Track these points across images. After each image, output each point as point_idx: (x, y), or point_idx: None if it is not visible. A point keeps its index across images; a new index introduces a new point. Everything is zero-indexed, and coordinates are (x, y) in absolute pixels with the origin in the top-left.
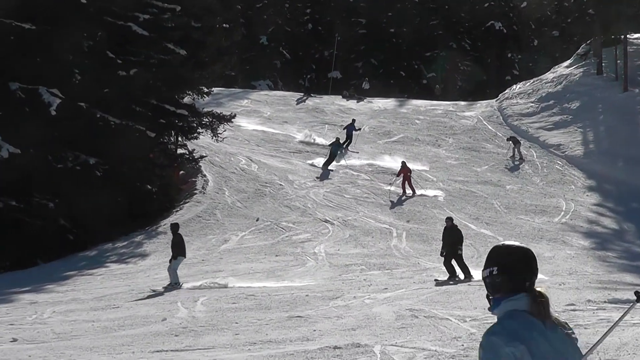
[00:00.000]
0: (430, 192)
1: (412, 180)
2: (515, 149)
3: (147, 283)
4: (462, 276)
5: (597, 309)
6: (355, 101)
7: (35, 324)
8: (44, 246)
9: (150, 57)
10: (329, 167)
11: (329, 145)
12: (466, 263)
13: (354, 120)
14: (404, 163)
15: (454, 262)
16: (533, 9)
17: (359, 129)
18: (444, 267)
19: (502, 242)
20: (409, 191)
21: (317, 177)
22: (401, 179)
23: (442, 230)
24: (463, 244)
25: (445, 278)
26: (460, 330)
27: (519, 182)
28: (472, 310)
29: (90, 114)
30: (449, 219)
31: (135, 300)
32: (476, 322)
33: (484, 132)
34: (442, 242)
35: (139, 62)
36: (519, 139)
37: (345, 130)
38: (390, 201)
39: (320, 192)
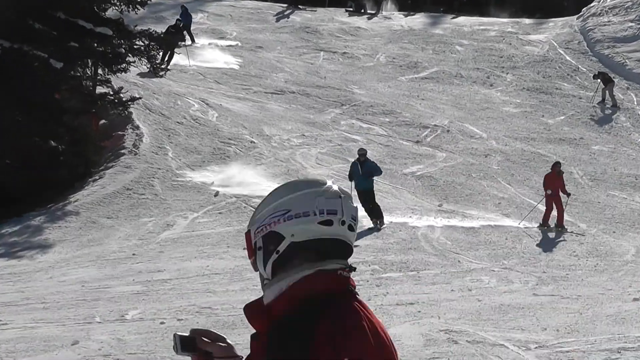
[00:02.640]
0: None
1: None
2: (607, 91)
3: (49, 288)
4: None
5: None
6: (366, 17)
7: None
8: None
9: None
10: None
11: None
12: None
13: None
14: (558, 166)
15: None
16: None
17: None
18: None
19: None
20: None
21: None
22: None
23: None
24: None
25: None
26: None
27: (612, 140)
28: (539, 332)
29: None
30: None
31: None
32: (545, 351)
33: (559, 66)
34: None
35: None
36: (612, 76)
37: None
38: (419, 169)
39: (311, 154)
